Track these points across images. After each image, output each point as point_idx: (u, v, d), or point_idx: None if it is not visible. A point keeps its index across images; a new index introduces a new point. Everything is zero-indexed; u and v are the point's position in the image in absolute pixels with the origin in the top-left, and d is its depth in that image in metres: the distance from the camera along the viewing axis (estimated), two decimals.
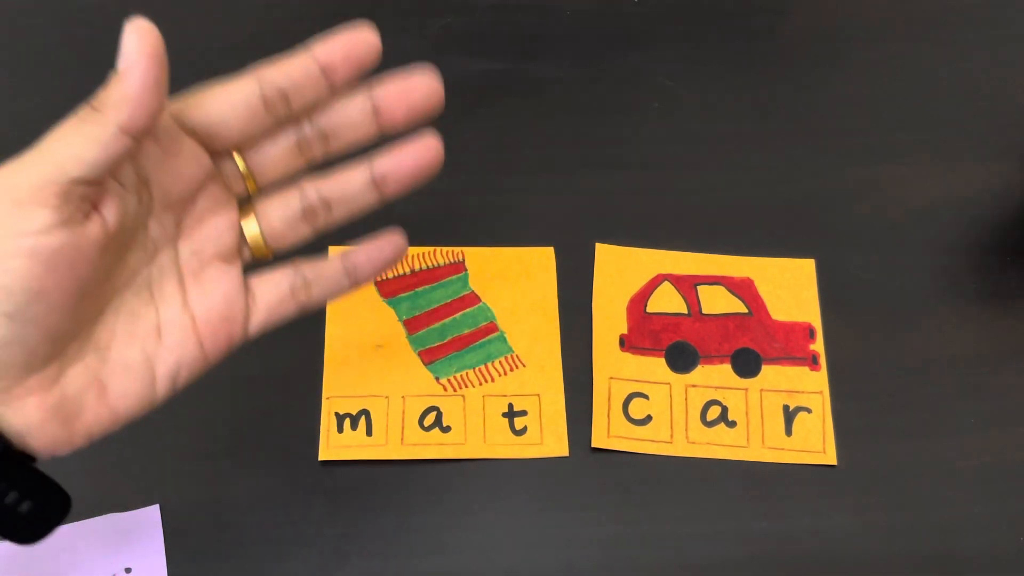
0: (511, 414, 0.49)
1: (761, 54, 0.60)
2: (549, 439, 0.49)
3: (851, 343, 0.51)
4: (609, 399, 0.49)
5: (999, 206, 0.56)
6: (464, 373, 0.50)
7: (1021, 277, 0.54)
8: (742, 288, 0.52)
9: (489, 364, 0.50)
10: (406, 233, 0.53)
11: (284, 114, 0.35)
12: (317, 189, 0.37)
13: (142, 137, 0.31)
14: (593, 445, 0.48)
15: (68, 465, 0.47)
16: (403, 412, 0.49)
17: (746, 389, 0.50)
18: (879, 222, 0.55)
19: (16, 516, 0.32)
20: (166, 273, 0.35)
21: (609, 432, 0.49)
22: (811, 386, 0.50)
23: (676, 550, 0.46)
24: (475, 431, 0.49)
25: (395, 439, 0.48)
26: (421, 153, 0.37)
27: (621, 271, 0.53)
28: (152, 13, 0.61)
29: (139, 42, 0.30)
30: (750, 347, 0.51)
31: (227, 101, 0.34)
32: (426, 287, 0.52)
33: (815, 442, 0.49)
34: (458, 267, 0.52)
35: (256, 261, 0.37)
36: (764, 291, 0.52)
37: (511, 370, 0.50)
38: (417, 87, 0.37)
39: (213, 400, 0.48)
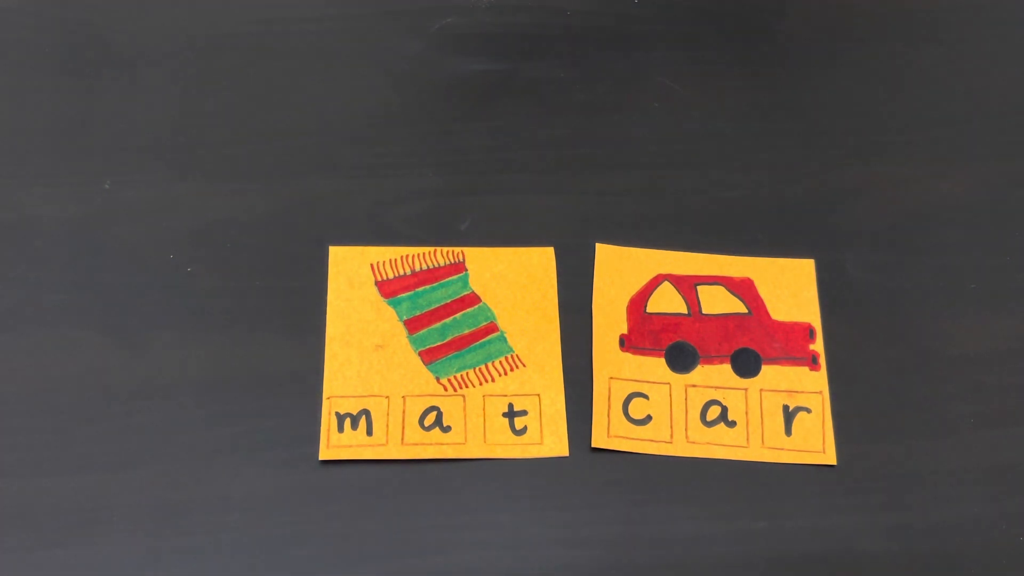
0: (511, 414, 0.49)
1: (761, 54, 0.60)
2: (549, 439, 0.49)
3: (851, 343, 0.51)
4: (609, 399, 0.49)
5: (999, 206, 0.56)
6: (464, 373, 0.50)
7: (1021, 277, 0.54)
8: (742, 288, 0.52)
9: (489, 364, 0.50)
10: (407, 233, 0.53)
11: None
12: None
13: None
14: (593, 445, 0.48)
15: (83, 459, 0.47)
16: (403, 412, 0.49)
17: (746, 389, 0.50)
18: (879, 222, 0.55)
19: None
20: None
21: (609, 432, 0.49)
22: (811, 386, 0.50)
23: (676, 550, 0.46)
24: (475, 431, 0.49)
25: (395, 439, 0.48)
26: None
27: (621, 271, 0.53)
28: (153, 11, 0.61)
29: None
30: (750, 347, 0.51)
31: None
32: (426, 287, 0.52)
33: (815, 442, 0.49)
34: (458, 267, 0.53)
35: None
36: (764, 291, 0.52)
37: (511, 370, 0.50)
38: None
39: (213, 400, 0.48)
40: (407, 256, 0.52)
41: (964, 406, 0.50)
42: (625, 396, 0.50)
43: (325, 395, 0.49)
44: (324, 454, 0.48)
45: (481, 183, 0.55)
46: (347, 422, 0.48)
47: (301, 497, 0.47)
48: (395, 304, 0.51)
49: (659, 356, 0.51)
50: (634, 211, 0.55)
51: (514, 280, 0.52)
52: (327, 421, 0.48)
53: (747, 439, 0.49)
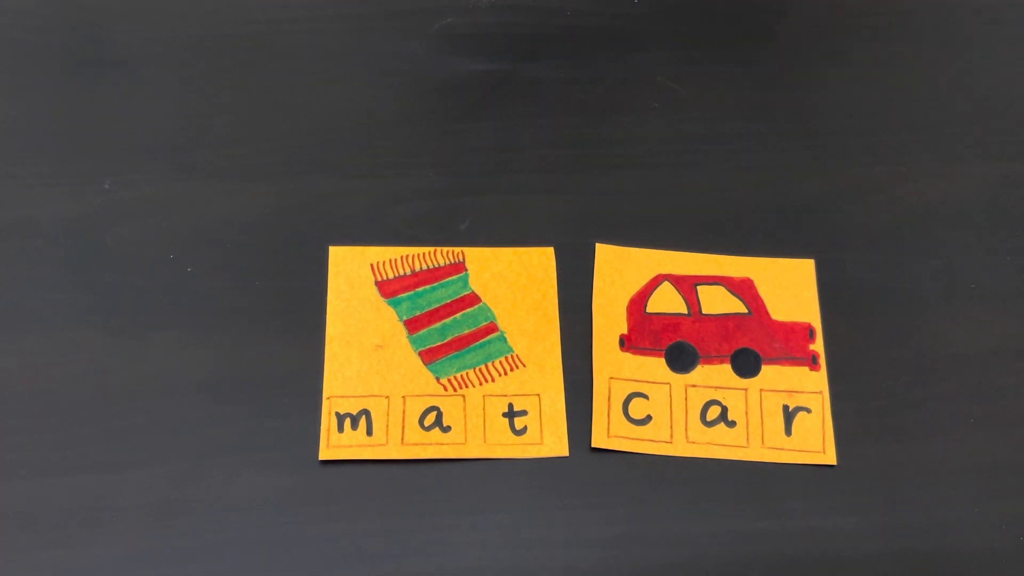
0: (511, 414, 0.49)
1: (761, 54, 0.60)
2: (549, 439, 0.49)
3: (851, 343, 0.51)
4: (609, 399, 0.49)
5: (999, 206, 0.56)
6: (464, 373, 0.50)
7: (1021, 277, 0.54)
8: (742, 288, 0.52)
9: (489, 364, 0.50)
10: (407, 233, 0.53)
11: None
12: None
13: None
14: (593, 445, 0.48)
15: (102, 457, 0.47)
16: (403, 412, 0.49)
17: (746, 389, 0.50)
18: (879, 222, 0.55)
19: None
20: None
21: (609, 432, 0.49)
22: (811, 386, 0.50)
23: (676, 550, 0.46)
24: (475, 431, 0.49)
25: (395, 439, 0.48)
26: None
27: (621, 271, 0.53)
28: (153, 11, 0.61)
29: None
30: (750, 347, 0.51)
31: None
32: (426, 287, 0.52)
33: (815, 442, 0.49)
34: (458, 267, 0.53)
35: None
36: (764, 291, 0.52)
37: (511, 370, 0.50)
38: None
39: (213, 400, 0.48)
40: (407, 256, 0.52)
41: (964, 406, 0.50)
42: (625, 396, 0.50)
43: (325, 395, 0.49)
44: (324, 454, 0.48)
45: (481, 183, 0.55)
46: (347, 422, 0.48)
47: (301, 497, 0.47)
48: (395, 304, 0.51)
49: (659, 356, 0.51)
50: (634, 211, 0.55)
51: (514, 280, 0.52)
52: (327, 421, 0.48)
53: (747, 439, 0.49)
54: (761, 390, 0.50)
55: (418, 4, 0.61)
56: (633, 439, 0.49)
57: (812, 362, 0.51)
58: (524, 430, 0.49)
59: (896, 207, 0.55)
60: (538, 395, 0.50)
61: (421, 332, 0.51)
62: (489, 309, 0.52)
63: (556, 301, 0.52)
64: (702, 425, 0.49)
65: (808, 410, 0.49)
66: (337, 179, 0.55)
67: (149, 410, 0.48)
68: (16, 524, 0.45)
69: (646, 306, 0.52)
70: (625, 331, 0.51)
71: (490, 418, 0.49)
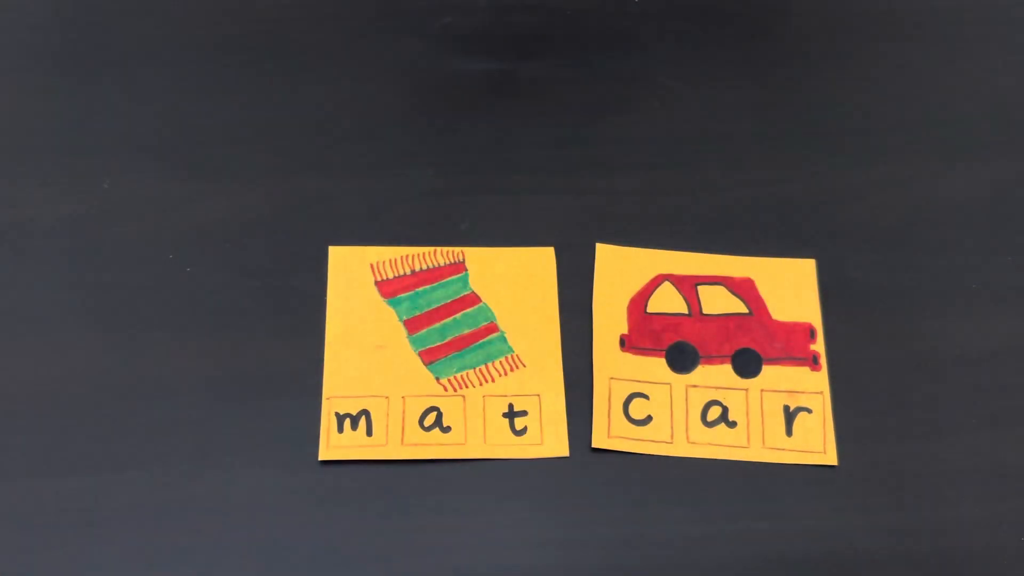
0: (511, 414, 0.49)
1: (761, 54, 0.60)
2: (549, 439, 0.49)
3: (851, 343, 0.51)
4: (609, 399, 0.49)
5: (999, 206, 0.56)
6: (464, 373, 0.50)
7: (1021, 277, 0.54)
8: (742, 288, 0.52)
9: (489, 364, 0.50)
10: (407, 233, 0.53)
11: None
12: None
13: None
14: (593, 445, 0.48)
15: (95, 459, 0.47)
16: (403, 412, 0.49)
17: (746, 389, 0.50)
18: (879, 222, 0.55)
19: None
20: None
21: (609, 432, 0.49)
22: (812, 386, 0.50)
23: (676, 550, 0.46)
24: (475, 431, 0.49)
25: (395, 439, 0.48)
26: None
27: (621, 271, 0.53)
28: (153, 11, 0.61)
29: None
30: (750, 347, 0.51)
31: None
32: (426, 287, 0.52)
33: (815, 442, 0.49)
34: (458, 267, 0.52)
35: None
36: (764, 291, 0.52)
37: (511, 370, 0.50)
38: None
39: (213, 400, 0.48)
40: (407, 256, 0.52)
41: (964, 406, 0.50)
42: (625, 396, 0.50)
43: (325, 395, 0.49)
44: (324, 454, 0.47)
45: (481, 183, 0.55)
46: (347, 422, 0.48)
47: (301, 497, 0.47)
48: (395, 304, 0.51)
49: (659, 356, 0.51)
50: (634, 211, 0.55)
51: (514, 280, 0.52)
52: (327, 421, 0.48)
53: (748, 439, 0.49)
54: (762, 390, 0.50)
55: (418, 4, 0.61)
56: (633, 439, 0.49)
57: (813, 362, 0.51)
58: (524, 430, 0.49)
59: (896, 207, 0.55)
60: (538, 395, 0.50)
61: (421, 332, 0.51)
62: (489, 309, 0.52)
63: (556, 301, 0.52)
64: (703, 425, 0.49)
65: (809, 410, 0.49)
66: (336, 179, 0.55)
67: (148, 410, 0.48)
68: (15, 524, 0.45)
69: (646, 306, 0.52)
70: (625, 331, 0.51)
71: (490, 418, 0.49)
